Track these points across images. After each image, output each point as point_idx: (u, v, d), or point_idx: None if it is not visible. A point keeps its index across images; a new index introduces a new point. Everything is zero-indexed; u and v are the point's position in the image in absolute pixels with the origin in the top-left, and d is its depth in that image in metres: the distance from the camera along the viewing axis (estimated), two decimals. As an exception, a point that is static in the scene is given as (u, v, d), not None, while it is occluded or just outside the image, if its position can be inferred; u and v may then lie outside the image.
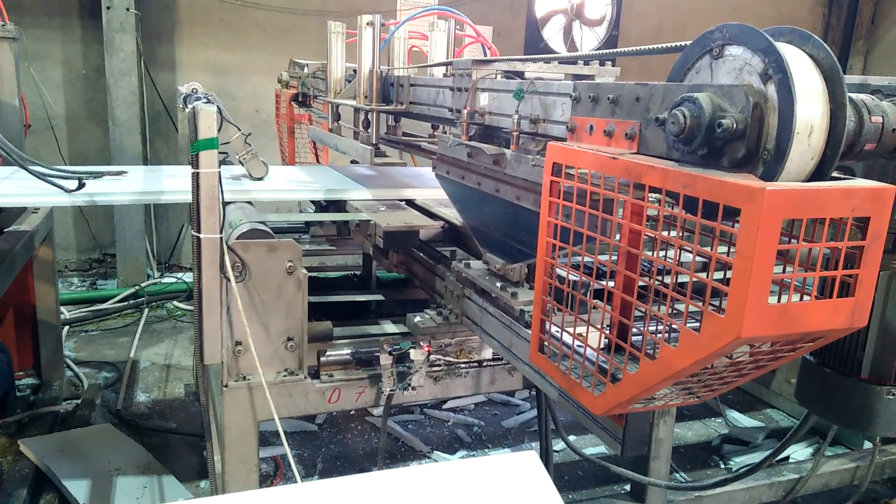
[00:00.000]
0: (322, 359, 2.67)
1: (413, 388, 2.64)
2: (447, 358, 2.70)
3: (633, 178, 1.29)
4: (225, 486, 2.53)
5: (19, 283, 3.93)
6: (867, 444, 3.84)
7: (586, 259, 1.46)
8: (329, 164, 4.50)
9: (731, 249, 1.12)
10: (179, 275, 6.52)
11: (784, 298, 1.12)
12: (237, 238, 2.41)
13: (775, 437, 4.16)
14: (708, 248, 1.18)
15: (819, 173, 1.20)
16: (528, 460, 1.49)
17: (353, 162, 4.02)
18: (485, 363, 2.79)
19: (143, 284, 6.22)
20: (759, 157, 1.18)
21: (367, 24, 2.91)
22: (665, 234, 1.26)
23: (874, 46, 8.77)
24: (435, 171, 2.45)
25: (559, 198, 1.50)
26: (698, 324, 1.17)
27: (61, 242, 6.49)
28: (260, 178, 3.24)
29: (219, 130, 2.29)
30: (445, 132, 2.46)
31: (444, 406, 4.39)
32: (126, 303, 5.98)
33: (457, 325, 2.51)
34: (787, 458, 3.81)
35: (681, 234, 1.30)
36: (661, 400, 1.43)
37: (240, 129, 3.13)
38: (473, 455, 3.96)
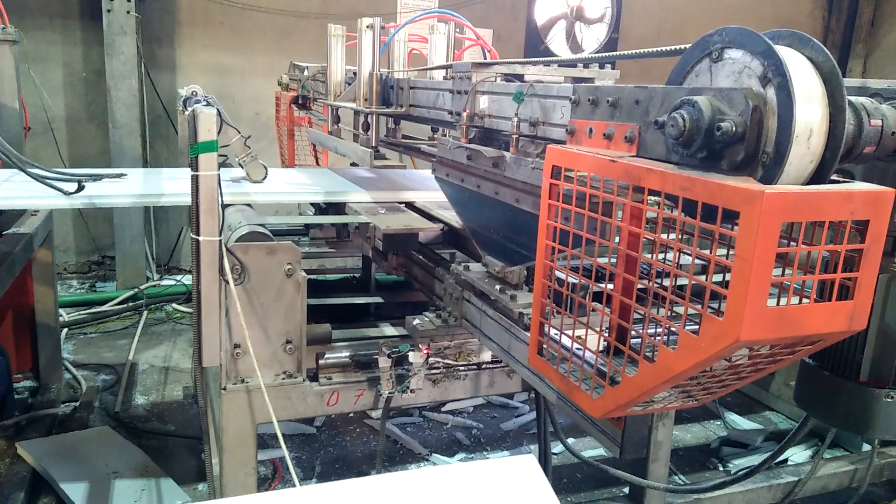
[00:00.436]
0: (321, 361, 2.67)
1: (412, 391, 2.64)
2: (446, 360, 2.70)
3: (633, 181, 1.29)
4: (223, 489, 2.52)
5: (18, 286, 3.92)
6: (866, 447, 3.84)
7: (585, 262, 1.46)
8: (328, 167, 4.50)
9: (731, 252, 1.12)
10: (179, 277, 6.52)
11: (783, 301, 1.12)
12: (236, 240, 2.41)
13: (774, 439, 4.16)
14: (707, 251, 1.18)
15: (818, 176, 1.20)
16: (526, 464, 1.48)
17: (352, 164, 4.02)
18: (483, 366, 2.79)
19: (142, 287, 6.22)
20: (758, 160, 1.18)
21: (367, 26, 2.91)
22: (664, 236, 1.26)
23: (874, 49, 8.79)
24: (434, 173, 2.45)
25: (559, 200, 1.50)
26: (697, 326, 1.17)
27: (60, 245, 6.49)
28: (259, 181, 3.24)
29: (218, 133, 2.29)
30: (445, 135, 2.46)
31: (443, 409, 4.39)
32: (125, 305, 5.97)
33: (456, 328, 2.51)
34: (786, 460, 3.80)
35: (680, 236, 1.30)
36: (659, 403, 1.43)
37: (239, 132, 3.13)
38: (472, 458, 3.95)
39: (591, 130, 1.53)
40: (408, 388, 2.62)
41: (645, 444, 1.58)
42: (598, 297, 1.48)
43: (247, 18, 6.71)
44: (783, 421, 4.48)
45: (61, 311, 5.15)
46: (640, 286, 1.34)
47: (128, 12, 5.99)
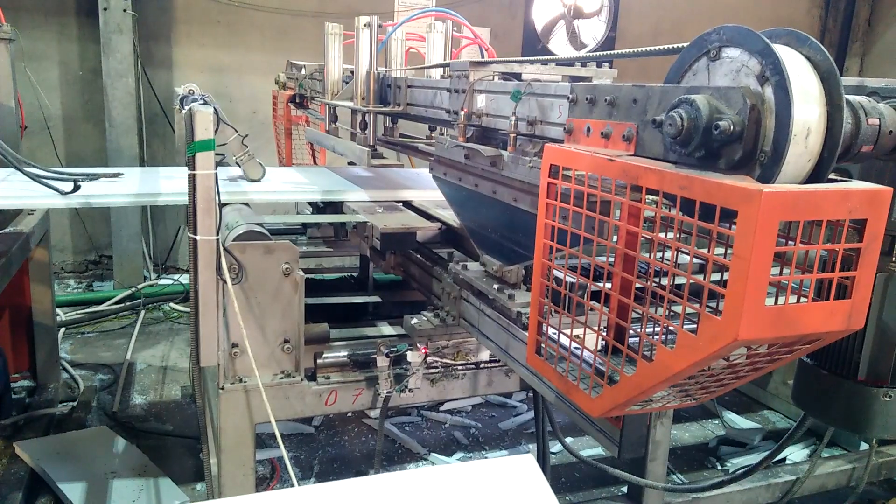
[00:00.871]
0: (319, 361, 2.67)
1: (410, 390, 2.64)
2: (444, 360, 2.70)
3: (631, 180, 1.28)
4: (221, 489, 2.52)
5: (15, 285, 3.91)
6: (864, 446, 3.85)
7: (583, 261, 1.46)
8: (326, 166, 4.49)
9: (729, 251, 1.12)
10: (176, 276, 6.51)
11: (781, 300, 1.12)
12: (234, 240, 2.41)
13: (772, 438, 4.17)
14: (705, 250, 1.18)
15: (816, 175, 1.20)
16: (524, 463, 1.48)
17: (350, 163, 4.02)
18: (482, 365, 2.79)
19: (139, 286, 6.21)
20: (756, 159, 1.18)
21: (365, 25, 2.91)
22: (662, 235, 1.26)
23: (871, 48, 8.80)
24: (432, 172, 2.44)
25: (556, 199, 1.50)
26: (695, 326, 1.17)
27: (57, 244, 6.48)
28: (257, 180, 3.23)
29: (215, 132, 2.29)
30: (443, 134, 2.46)
31: (442, 408, 4.39)
32: (122, 305, 5.96)
33: (454, 327, 2.51)
34: (784, 459, 3.81)
35: (678, 235, 1.30)
36: (658, 402, 1.43)
37: (237, 131, 3.12)
38: (470, 457, 3.95)
39: (588, 129, 1.53)
40: (406, 387, 2.62)
41: (643, 443, 1.59)
42: (596, 295, 1.48)
43: (244, 17, 6.70)
44: (781, 420, 4.48)
45: (58, 310, 5.14)
46: (638, 285, 1.34)
47: (124, 10, 5.97)
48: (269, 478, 3.63)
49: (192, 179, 2.22)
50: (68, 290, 6.45)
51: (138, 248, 6.41)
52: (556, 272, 1.55)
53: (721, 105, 1.19)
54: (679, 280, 1.27)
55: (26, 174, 2.81)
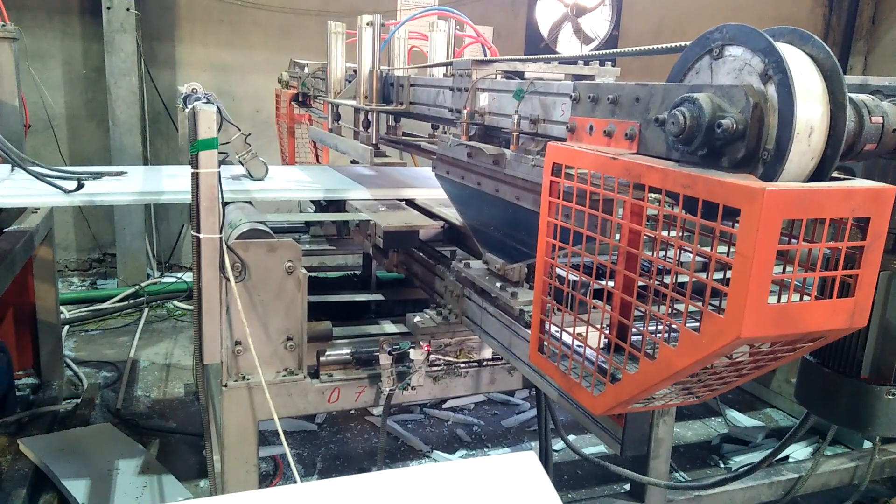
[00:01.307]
0: (321, 358, 2.67)
1: (413, 388, 2.64)
2: (447, 358, 2.70)
3: (633, 179, 1.28)
4: (224, 486, 2.53)
5: (19, 283, 3.92)
6: (867, 444, 3.84)
7: (586, 259, 1.47)
8: (329, 164, 4.49)
9: (731, 249, 1.12)
10: (179, 274, 6.52)
11: (784, 298, 1.12)
12: (237, 238, 2.41)
13: (775, 436, 4.16)
14: (708, 249, 1.18)
15: (819, 174, 1.20)
16: (526, 460, 1.49)
17: (353, 162, 4.02)
18: (484, 363, 2.79)
19: (143, 284, 6.22)
20: (758, 158, 1.18)
21: (367, 24, 2.91)
22: (665, 234, 1.26)
23: (875, 47, 8.77)
24: (435, 171, 2.45)
25: (559, 198, 1.50)
26: (698, 324, 1.17)
27: (61, 242, 6.49)
28: (260, 179, 3.24)
29: (219, 130, 2.29)
30: (445, 132, 2.47)
31: (444, 406, 4.39)
32: (126, 302, 5.98)
33: (456, 325, 2.51)
34: (787, 457, 3.81)
35: (681, 234, 1.30)
36: (660, 400, 1.43)
37: (240, 129, 3.13)
38: (473, 454, 3.96)
39: (591, 128, 1.53)
40: (409, 384, 2.62)
41: (645, 440, 1.59)
42: (598, 294, 1.48)
43: (247, 16, 6.71)
44: (784, 418, 4.48)
45: (62, 308, 5.15)
46: (640, 283, 1.34)
47: (128, 9, 5.98)
48: (272, 475, 3.64)
49: (196, 178, 2.22)
50: (72, 287, 6.47)
51: (142, 247, 6.42)
52: (558, 270, 1.55)
53: (724, 103, 1.19)
54: (681, 278, 1.27)
55: (30, 172, 2.81)
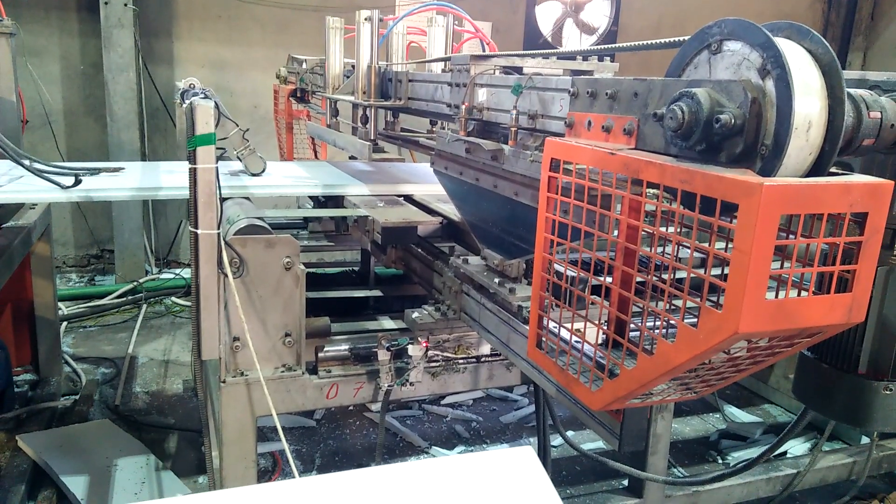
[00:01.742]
0: (320, 354, 2.67)
1: (411, 384, 2.64)
2: (445, 354, 2.70)
3: (631, 174, 1.28)
4: (223, 482, 2.53)
5: (17, 279, 3.92)
6: (864, 440, 3.85)
7: (584, 255, 1.46)
8: (327, 160, 4.49)
9: (729, 245, 1.12)
10: (178, 270, 6.52)
11: (781, 294, 1.12)
12: (235, 234, 2.41)
13: (773, 432, 4.17)
14: (705, 244, 1.18)
15: (817, 169, 1.19)
16: (524, 455, 1.49)
17: (351, 158, 4.02)
18: (482, 359, 2.79)
19: (141, 280, 6.22)
20: (757, 153, 1.17)
21: (366, 19, 2.90)
22: (663, 229, 1.26)
23: (873, 42, 8.77)
24: (433, 166, 2.44)
25: (557, 193, 1.50)
26: (695, 319, 1.17)
27: (59, 238, 6.49)
28: (258, 174, 3.23)
29: (216, 126, 2.29)
30: (444, 127, 2.47)
31: (443, 402, 4.40)
32: (124, 299, 5.97)
33: (455, 321, 2.51)
34: (785, 453, 3.81)
35: (679, 229, 1.30)
36: (658, 395, 1.43)
37: (237, 125, 3.12)
38: (471, 450, 3.97)
39: (589, 123, 1.53)
40: (407, 380, 2.62)
41: (643, 436, 1.59)
42: (596, 289, 1.48)
43: (244, 11, 6.69)
44: (782, 414, 4.49)
45: (60, 304, 5.14)
46: (638, 279, 1.34)
47: (125, 5, 5.97)
48: (270, 471, 3.64)
49: (194, 173, 2.22)
50: (70, 284, 6.46)
51: (140, 243, 6.41)
52: (557, 266, 1.55)
53: (722, 98, 1.18)
54: (679, 274, 1.27)
55: (28, 168, 2.81)
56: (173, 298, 6.10)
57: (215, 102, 2.34)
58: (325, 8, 6.63)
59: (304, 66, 4.39)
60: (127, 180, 3.10)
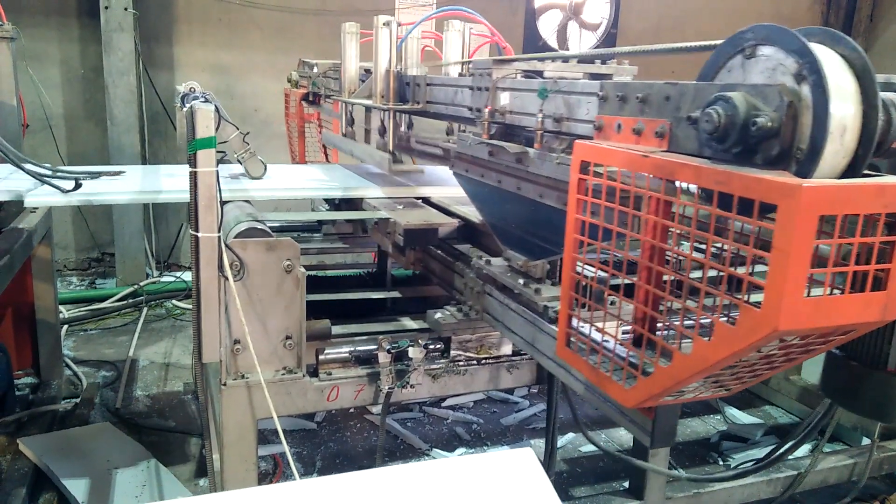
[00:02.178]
0: (321, 357, 2.68)
1: (412, 386, 2.65)
2: (467, 353, 2.74)
3: (666, 176, 1.32)
4: (224, 484, 2.53)
5: (18, 283, 3.92)
6: (865, 441, 3.85)
7: (614, 255, 1.49)
8: (339, 164, 4.49)
9: (743, 245, 1.15)
10: (178, 274, 6.52)
11: (816, 292, 1.14)
12: (235, 237, 2.41)
13: (774, 433, 4.17)
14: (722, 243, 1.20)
15: (851, 171, 1.22)
16: (524, 457, 1.49)
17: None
18: (503, 359, 2.82)
19: (142, 283, 6.22)
20: (792, 156, 1.20)
21: (384, 24, 2.93)
22: (687, 226, 1.29)
23: (873, 44, 8.78)
24: (453, 169, 2.47)
25: (587, 195, 1.53)
26: (725, 318, 1.21)
27: (60, 241, 6.49)
28: (258, 178, 3.24)
29: (216, 129, 2.29)
30: (464, 131, 2.49)
31: (443, 404, 4.40)
32: (125, 302, 5.98)
33: (477, 321, 2.53)
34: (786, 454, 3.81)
35: (712, 230, 1.32)
36: (691, 392, 1.46)
37: (238, 128, 3.13)
38: (472, 452, 3.96)
39: (619, 126, 1.55)
40: (407, 383, 2.63)
41: (674, 433, 1.62)
42: (623, 289, 1.51)
43: (245, 15, 6.70)
44: (783, 415, 4.48)
45: (61, 307, 5.15)
46: (672, 278, 1.36)
47: (125, 9, 5.98)
48: (271, 473, 3.64)
49: (194, 177, 2.22)
50: (71, 287, 6.47)
51: (140, 246, 6.42)
52: (587, 266, 1.58)
53: (758, 102, 1.21)
54: (706, 273, 1.29)
55: (28, 172, 2.81)
56: (174, 301, 6.10)
57: (215, 106, 2.34)
58: (324, 11, 6.66)
59: (315, 69, 4.40)
60: (127, 184, 3.10)
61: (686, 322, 1.32)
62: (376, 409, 4.12)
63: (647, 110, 1.48)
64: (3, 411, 3.72)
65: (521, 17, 7.51)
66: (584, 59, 2.14)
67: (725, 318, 1.24)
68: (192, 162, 2.21)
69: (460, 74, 2.97)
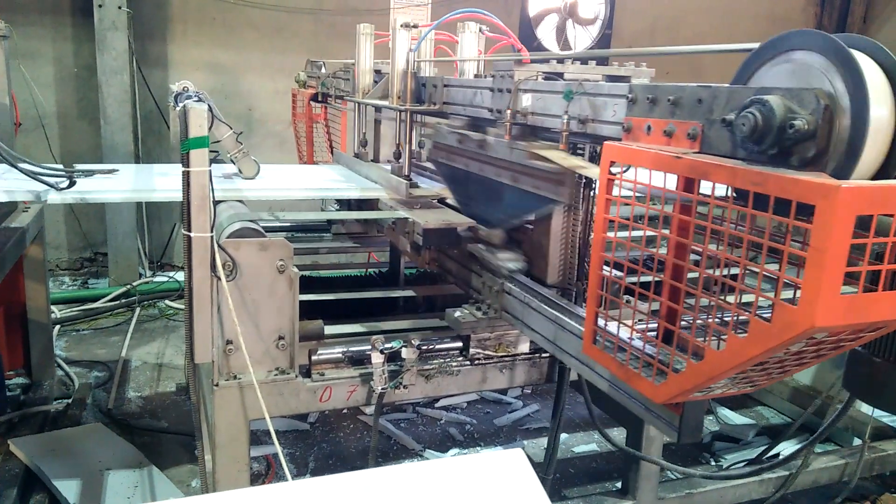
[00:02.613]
0: (313, 357, 2.67)
1: (405, 387, 2.65)
2: (486, 351, 2.77)
3: (699, 176, 1.34)
4: (216, 485, 2.52)
5: (10, 282, 3.91)
6: (856, 441, 3.87)
7: (640, 253, 1.52)
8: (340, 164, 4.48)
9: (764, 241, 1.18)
10: (171, 273, 6.50)
11: (848, 290, 1.16)
12: (228, 237, 2.41)
13: (766, 434, 4.19)
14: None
15: (883, 172, 1.25)
16: (515, 457, 1.49)
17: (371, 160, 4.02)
18: (520, 357, 2.84)
19: (134, 283, 6.20)
20: (828, 157, 1.23)
21: (402, 26, 2.95)
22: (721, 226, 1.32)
23: (866, 46, 8.82)
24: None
25: (617, 195, 1.55)
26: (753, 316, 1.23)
27: (52, 241, 6.46)
28: (251, 177, 3.23)
29: (210, 129, 2.29)
30: (486, 132, 2.55)
31: (437, 404, 4.40)
32: (117, 302, 5.96)
33: (495, 320, 2.55)
34: (777, 454, 3.83)
35: (749, 230, 1.33)
36: (720, 388, 1.47)
37: (231, 128, 3.12)
38: (465, 453, 3.97)
39: (649, 128, 1.57)
40: (400, 383, 2.63)
41: (701, 428, 1.65)
42: (647, 286, 1.54)
43: (240, 14, 6.69)
44: (775, 416, 4.50)
45: (53, 307, 5.13)
46: (704, 276, 1.38)
47: (119, 8, 5.96)
48: (264, 474, 3.63)
49: (187, 176, 2.22)
50: (63, 287, 6.44)
51: (133, 246, 6.40)
52: (615, 265, 1.60)
53: (794, 105, 1.23)
54: (734, 271, 1.32)
55: (21, 170, 2.80)
56: (167, 302, 6.08)
57: (209, 105, 2.34)
58: (319, 11, 6.65)
59: (322, 70, 4.40)
60: (121, 182, 3.09)
61: (714, 320, 1.34)
62: (369, 409, 4.12)
63: (678, 112, 1.51)
64: (-6, 412, 3.71)
65: (515, 17, 7.52)
66: (600, 62, 2.19)
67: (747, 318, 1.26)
68: (185, 161, 2.21)
69: (476, 76, 3.01)
